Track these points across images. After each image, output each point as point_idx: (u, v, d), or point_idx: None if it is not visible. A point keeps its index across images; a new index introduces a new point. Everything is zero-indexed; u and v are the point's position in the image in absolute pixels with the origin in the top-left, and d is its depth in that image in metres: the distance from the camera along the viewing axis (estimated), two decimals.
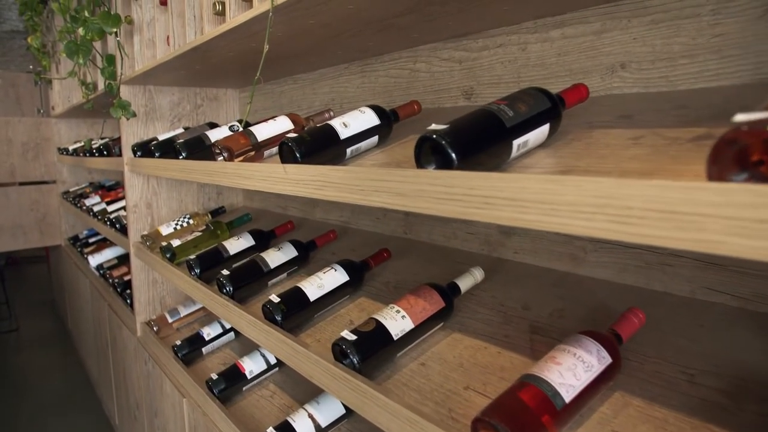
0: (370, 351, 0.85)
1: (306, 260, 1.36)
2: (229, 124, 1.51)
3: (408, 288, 1.14)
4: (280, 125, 1.26)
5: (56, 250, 4.18)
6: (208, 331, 1.69)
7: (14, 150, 3.81)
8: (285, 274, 1.33)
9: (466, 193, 0.59)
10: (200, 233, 1.70)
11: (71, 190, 3.68)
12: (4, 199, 3.79)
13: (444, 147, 0.63)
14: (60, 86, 3.47)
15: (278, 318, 1.05)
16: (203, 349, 1.68)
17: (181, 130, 1.88)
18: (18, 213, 3.86)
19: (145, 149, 1.81)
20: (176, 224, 1.89)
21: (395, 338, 0.87)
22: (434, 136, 0.65)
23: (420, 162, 0.69)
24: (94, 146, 2.57)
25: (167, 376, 1.69)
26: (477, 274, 1.01)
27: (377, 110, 1.02)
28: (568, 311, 0.91)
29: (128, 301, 2.23)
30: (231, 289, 1.25)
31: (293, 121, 1.28)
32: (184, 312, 1.93)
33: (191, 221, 1.91)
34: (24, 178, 3.87)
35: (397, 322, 0.88)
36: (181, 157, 1.46)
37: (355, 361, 0.84)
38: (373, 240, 1.44)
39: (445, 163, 0.65)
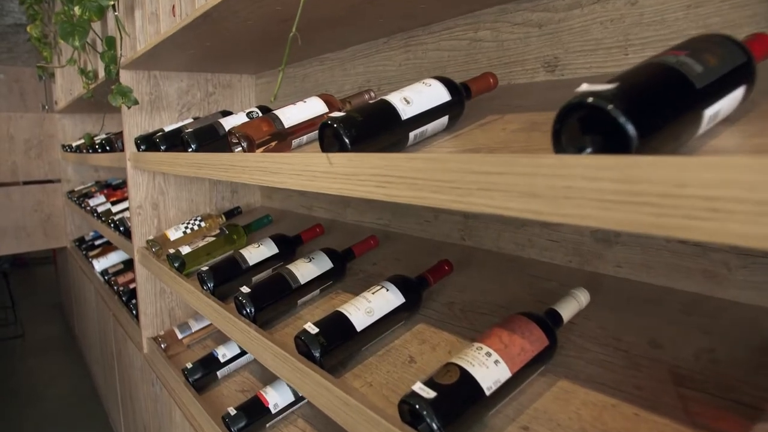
0: (455, 413, 0.61)
1: (342, 273, 1.12)
2: (247, 111, 1.27)
3: (478, 310, 0.89)
4: (312, 108, 1.02)
5: (63, 252, 3.98)
6: (224, 352, 1.46)
7: (16, 147, 3.61)
8: (318, 291, 1.09)
9: (667, 192, 0.35)
10: (213, 238, 1.47)
11: (76, 189, 3.48)
12: (6, 200, 3.59)
13: (614, 117, 0.39)
14: (62, 79, 3.26)
15: (316, 354, 0.81)
16: (218, 373, 1.45)
17: (190, 121, 1.65)
18: (21, 214, 3.66)
19: (149, 142, 1.58)
20: (186, 227, 1.65)
21: (487, 393, 0.63)
22: (591, 99, 0.40)
23: (560, 144, 0.45)
24: (96, 141, 2.35)
25: (177, 403, 1.46)
26: (581, 298, 0.76)
27: (446, 83, 0.77)
28: (722, 352, 0.66)
29: (134, 312, 2.01)
30: (252, 310, 1.01)
31: (327, 103, 1.04)
32: (195, 327, 1.70)
33: (203, 224, 1.68)
34: (27, 177, 3.67)
35: (489, 369, 0.64)
36: (190, 149, 1.23)
37: (435, 427, 0.60)
38: (422, 247, 1.20)
39: (611, 144, 0.40)
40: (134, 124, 1.71)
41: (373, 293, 0.88)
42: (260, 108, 1.29)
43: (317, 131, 1.03)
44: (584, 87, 0.42)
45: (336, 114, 0.70)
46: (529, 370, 0.67)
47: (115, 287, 2.34)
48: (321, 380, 0.77)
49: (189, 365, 1.44)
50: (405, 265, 1.12)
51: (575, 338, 0.76)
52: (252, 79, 1.91)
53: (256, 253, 1.24)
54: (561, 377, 0.69)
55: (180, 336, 1.68)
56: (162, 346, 1.66)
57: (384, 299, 0.87)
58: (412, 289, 0.90)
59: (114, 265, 2.63)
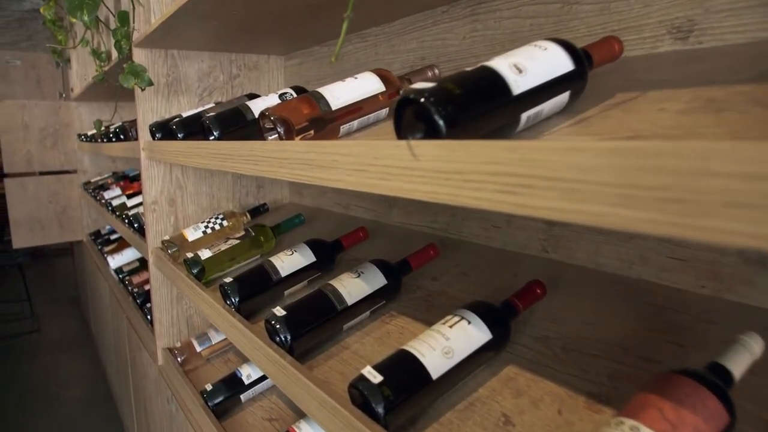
0: None
1: (397, 290, 0.92)
2: (279, 92, 1.07)
3: (586, 351, 0.68)
4: (365, 86, 0.82)
5: (80, 245, 3.85)
6: (248, 372, 1.27)
7: (31, 136, 3.47)
8: (368, 313, 0.89)
9: None
10: (237, 241, 1.27)
11: (93, 180, 3.33)
12: (21, 191, 3.45)
13: None
14: (78, 64, 3.10)
15: (380, 410, 0.60)
16: (242, 396, 1.26)
17: (212, 106, 1.46)
18: (36, 205, 3.52)
19: (165, 130, 1.39)
20: (206, 227, 1.46)
21: None
22: None
23: None
24: (110, 130, 2.17)
25: (194, 428, 1.28)
26: (755, 348, 0.54)
27: (567, 47, 0.56)
28: None
29: (148, 317, 1.83)
30: (288, 338, 0.81)
31: (383, 79, 0.84)
32: (216, 338, 1.51)
33: (225, 223, 1.48)
34: (42, 167, 3.53)
35: None
36: (211, 137, 1.03)
37: None
38: (491, 259, 0.98)
39: None
40: (149, 109, 1.52)
41: (450, 326, 0.67)
42: (295, 89, 1.09)
43: (374, 115, 0.82)
44: None
45: (422, 85, 0.49)
46: None
47: (129, 287, 2.17)
48: None
49: (209, 387, 1.25)
50: (475, 283, 0.91)
51: (746, 405, 0.54)
52: (281, 61, 1.71)
53: (289, 261, 1.04)
54: None
55: (198, 348, 1.49)
56: (179, 359, 1.48)
57: (465, 335, 0.66)
58: (500, 320, 0.69)
59: (129, 263, 2.46)
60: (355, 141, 0.55)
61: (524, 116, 0.52)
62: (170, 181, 1.56)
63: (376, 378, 0.62)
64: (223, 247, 1.26)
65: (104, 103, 3.53)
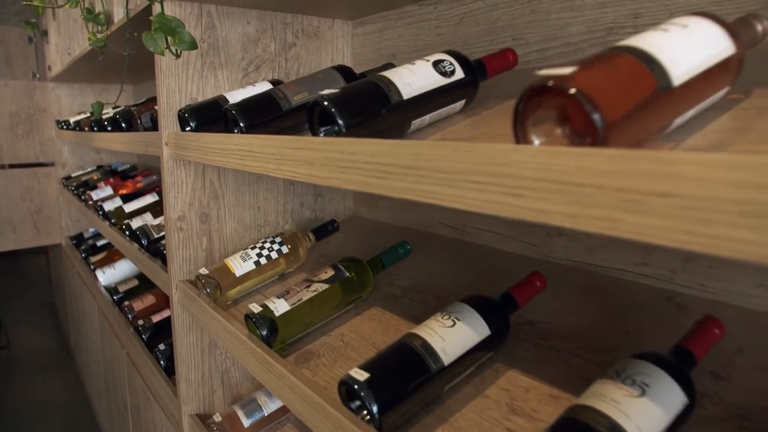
0: None
1: (693, 405, 0.52)
2: (433, 58, 0.66)
3: None
4: (710, 43, 0.41)
5: (57, 247, 3.34)
6: None
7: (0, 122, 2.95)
8: None
9: None
10: (326, 285, 0.85)
11: (74, 175, 2.85)
12: None
13: None
14: (58, 37, 2.60)
15: None
16: None
17: (266, 85, 1.04)
18: (6, 204, 3.01)
19: (202, 117, 0.96)
20: (259, 255, 1.04)
21: None
22: None
23: None
24: (106, 116, 1.71)
25: None
26: None
27: None
28: None
29: (161, 362, 1.40)
30: None
31: (729, 33, 0.43)
32: (270, 407, 1.10)
33: (284, 249, 1.06)
34: (13, 159, 3.01)
35: None
36: (323, 132, 0.61)
37: None
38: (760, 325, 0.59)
39: None
40: (175, 88, 1.08)
41: None
42: (454, 55, 0.67)
43: (711, 99, 0.42)
44: None
45: None
46: None
47: (130, 316, 1.72)
48: None
49: None
50: None
51: None
52: (348, 27, 1.28)
53: (453, 338, 0.63)
54: None
55: (246, 422, 1.08)
56: None
57: None
58: None
59: (125, 280, 2.01)
60: None
61: None
62: (202, 188, 1.13)
63: None
64: (306, 295, 0.84)
65: (88, 84, 3.03)
